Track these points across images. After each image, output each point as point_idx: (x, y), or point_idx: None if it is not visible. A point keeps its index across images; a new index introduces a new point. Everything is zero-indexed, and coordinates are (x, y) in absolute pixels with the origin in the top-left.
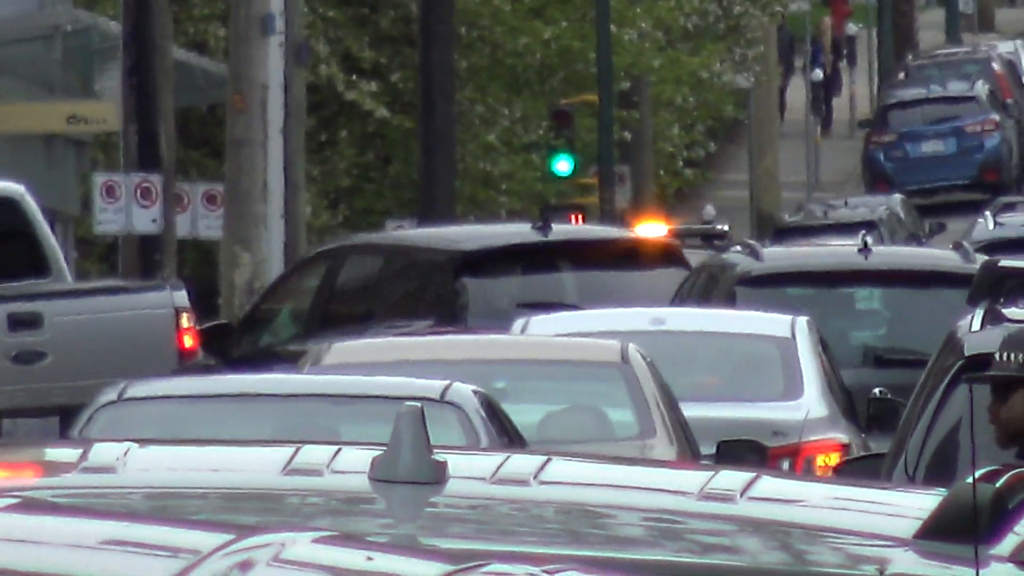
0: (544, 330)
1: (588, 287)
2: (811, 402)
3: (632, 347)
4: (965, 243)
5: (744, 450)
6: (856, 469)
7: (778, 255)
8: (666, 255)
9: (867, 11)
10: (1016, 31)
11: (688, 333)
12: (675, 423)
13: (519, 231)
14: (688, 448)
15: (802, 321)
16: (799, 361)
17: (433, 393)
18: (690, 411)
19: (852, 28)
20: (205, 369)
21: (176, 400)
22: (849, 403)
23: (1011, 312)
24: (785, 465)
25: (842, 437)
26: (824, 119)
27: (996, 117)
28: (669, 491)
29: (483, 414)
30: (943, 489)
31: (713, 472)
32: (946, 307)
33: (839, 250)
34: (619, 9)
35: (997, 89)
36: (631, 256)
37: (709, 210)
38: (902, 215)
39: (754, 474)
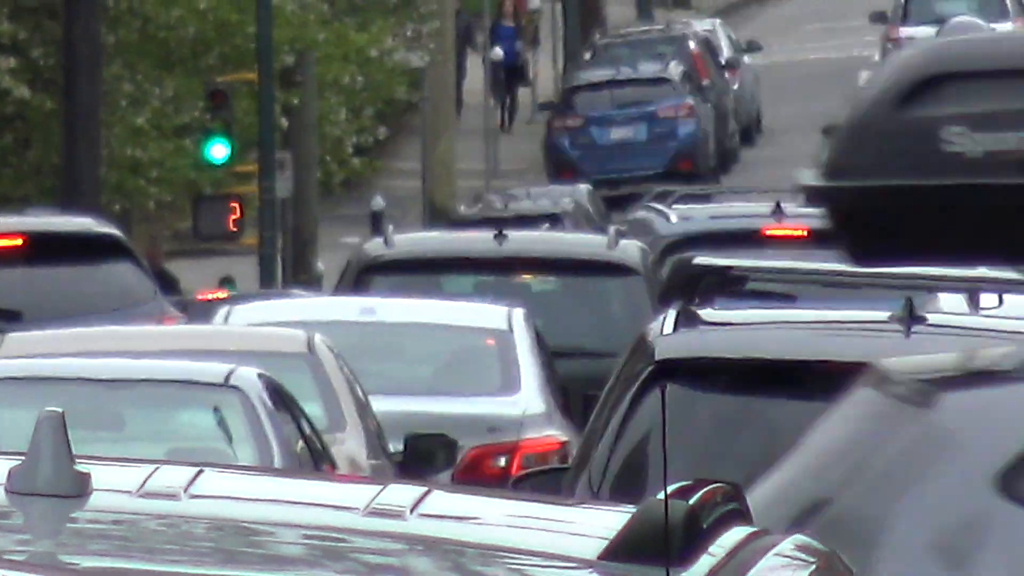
0: (246, 319)
1: (26, 288)
2: (529, 398)
3: (319, 337)
4: (612, 228)
5: (433, 445)
6: (536, 483)
7: (409, 241)
8: (112, 249)
9: None
10: (714, 8)
11: (400, 324)
12: (364, 417)
13: None
14: (378, 443)
15: (519, 313)
16: (516, 355)
17: (216, 377)
18: (401, 405)
19: (535, 3)
20: None
21: None
22: (565, 399)
23: (706, 313)
24: (502, 462)
25: (560, 435)
26: (510, 105)
27: (691, 101)
28: (333, 506)
29: (267, 399)
30: (631, 506)
31: (381, 486)
32: (591, 295)
33: (474, 236)
34: None
35: (693, 71)
36: (70, 252)
37: (378, 201)
38: (589, 207)
39: (425, 488)
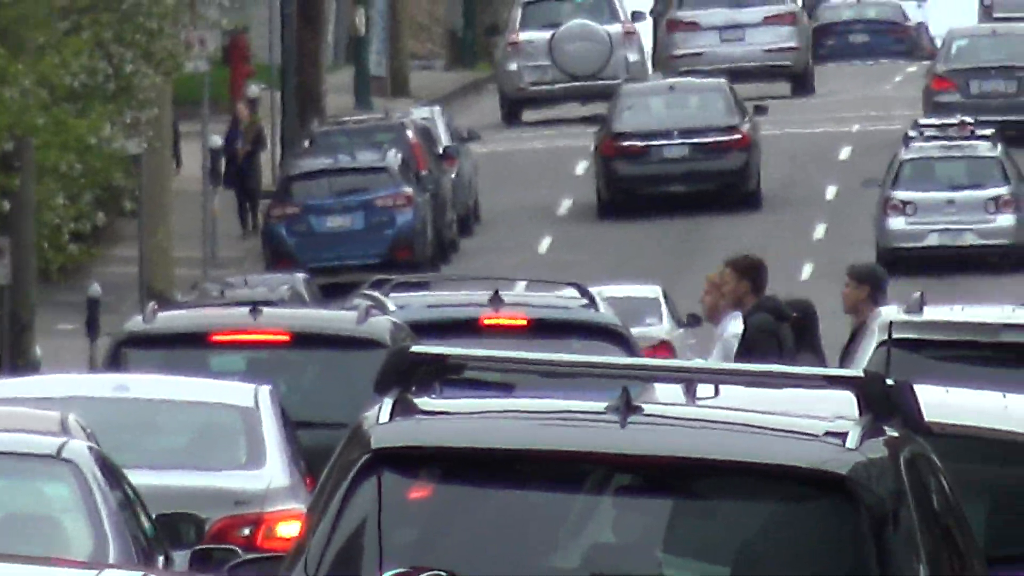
0: (4, 393)
1: None
2: (274, 471)
3: (72, 417)
4: (362, 304)
5: (181, 523)
6: (254, 570)
7: (170, 316)
8: None
9: (270, 71)
10: (432, 95)
11: (152, 401)
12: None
13: None
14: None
15: (264, 390)
16: (262, 430)
17: (49, 450)
18: (151, 479)
19: (254, 91)
20: None
21: None
22: (309, 472)
23: (423, 402)
24: (247, 532)
25: (304, 508)
26: (251, 207)
27: (409, 190)
28: None
29: (98, 473)
30: None
31: (97, 570)
32: (341, 369)
33: (230, 311)
34: (0, 64)
35: (411, 159)
36: None
37: (96, 288)
38: (306, 295)
39: (141, 573)
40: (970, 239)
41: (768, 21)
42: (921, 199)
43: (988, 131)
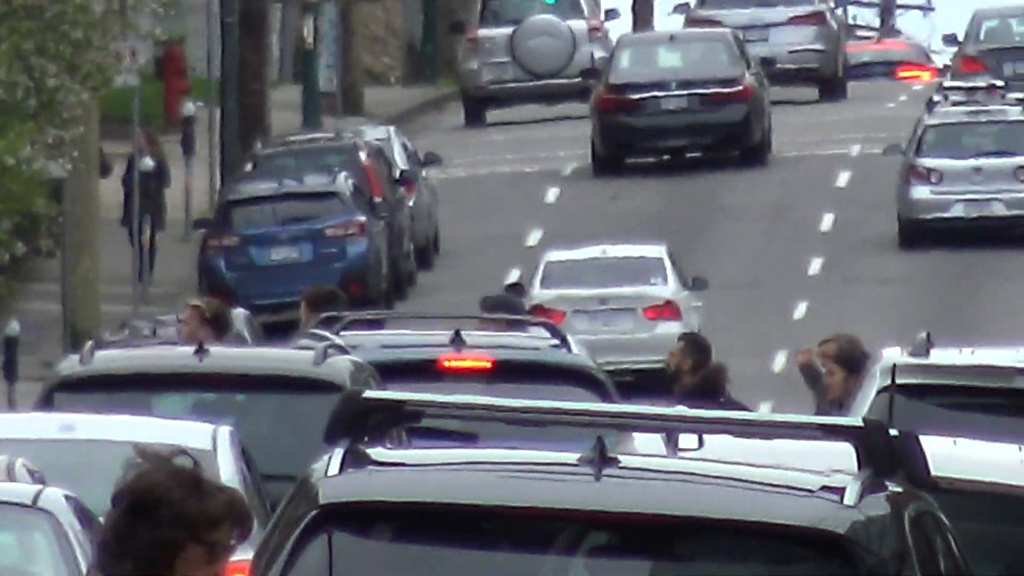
0: None
1: None
2: None
3: (19, 461)
4: (321, 344)
5: None
6: None
7: (108, 357)
8: None
9: (208, 87)
10: (388, 114)
11: (99, 441)
12: None
13: None
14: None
15: (224, 431)
16: (219, 475)
17: (24, 498)
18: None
19: (190, 109)
20: None
21: None
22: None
23: (376, 453)
24: None
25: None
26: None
27: (362, 218)
28: None
29: (76, 521)
30: None
31: None
32: (296, 415)
33: (172, 352)
34: None
35: (364, 184)
36: None
37: (14, 326)
38: (247, 334)
39: None
40: (998, 209)
41: (794, 21)
42: (946, 167)
43: (1019, 94)
